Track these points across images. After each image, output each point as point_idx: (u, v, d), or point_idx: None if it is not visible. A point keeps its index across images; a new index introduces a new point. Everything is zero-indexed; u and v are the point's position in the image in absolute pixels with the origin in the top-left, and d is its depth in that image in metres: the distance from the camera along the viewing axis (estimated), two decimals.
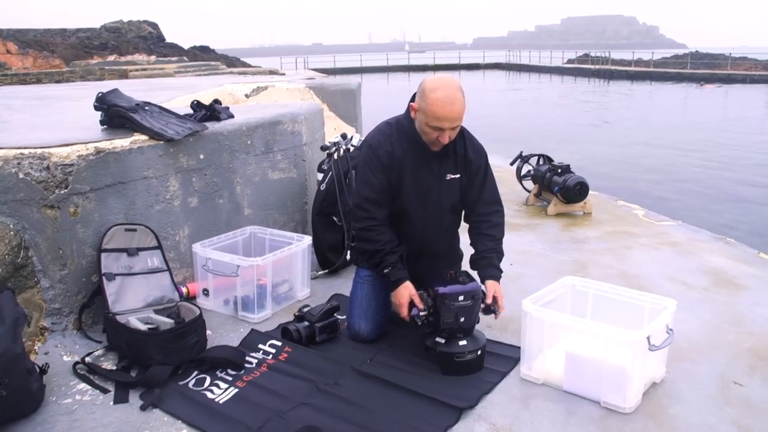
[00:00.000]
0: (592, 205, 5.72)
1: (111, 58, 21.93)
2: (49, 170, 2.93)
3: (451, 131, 2.90)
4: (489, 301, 2.93)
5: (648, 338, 2.49)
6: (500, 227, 3.19)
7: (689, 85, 37.79)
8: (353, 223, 3.19)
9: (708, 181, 12.65)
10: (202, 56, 27.82)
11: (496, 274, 3.06)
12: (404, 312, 2.95)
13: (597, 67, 49.34)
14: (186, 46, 30.93)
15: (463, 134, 3.12)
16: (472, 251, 3.17)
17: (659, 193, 11.41)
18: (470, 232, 3.22)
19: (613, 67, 47.89)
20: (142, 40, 29.19)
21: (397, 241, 3.07)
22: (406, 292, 2.96)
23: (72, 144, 3.09)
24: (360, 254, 3.28)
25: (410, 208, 3.11)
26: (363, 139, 4.38)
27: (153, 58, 21.61)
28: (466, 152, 3.11)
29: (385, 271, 3.01)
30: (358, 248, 3.25)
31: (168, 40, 31.55)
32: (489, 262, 3.08)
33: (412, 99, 3.02)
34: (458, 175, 3.11)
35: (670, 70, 44.13)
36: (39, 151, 2.95)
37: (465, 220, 3.29)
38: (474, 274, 3.06)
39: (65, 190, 2.99)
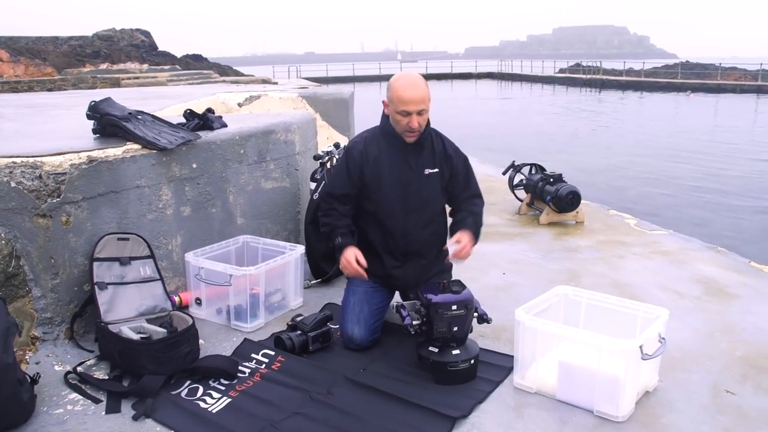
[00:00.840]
0: (585, 214, 5.73)
1: (103, 66, 21.84)
2: (41, 179, 2.92)
3: (419, 116, 3.08)
4: (451, 241, 3.12)
5: (641, 347, 2.50)
6: (480, 208, 3.38)
7: (678, 94, 37.97)
8: (319, 215, 3.42)
9: (699, 190, 12.70)
10: (195, 65, 27.79)
11: (470, 227, 3.22)
12: (354, 265, 3.11)
13: (588, 76, 49.50)
14: (178, 55, 30.89)
15: (440, 134, 3.32)
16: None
17: (651, 202, 11.44)
18: (451, 214, 3.40)
19: (605, 77, 48.07)
20: (135, 49, 29.13)
21: (353, 227, 3.27)
22: (350, 251, 3.14)
23: (64, 153, 3.08)
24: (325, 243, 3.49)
25: (390, 202, 3.21)
26: None
27: (145, 66, 21.55)
28: (444, 148, 3.30)
29: (336, 241, 3.20)
30: (322, 235, 3.42)
31: (160, 48, 31.51)
32: (463, 223, 3.26)
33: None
34: (437, 170, 3.26)
35: (661, 80, 44.34)
36: (31, 159, 2.95)
37: (449, 213, 3.43)
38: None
39: (57, 199, 2.98)
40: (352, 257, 3.13)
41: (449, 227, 3.33)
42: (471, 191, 3.37)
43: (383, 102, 3.21)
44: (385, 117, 3.24)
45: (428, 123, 3.19)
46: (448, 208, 3.41)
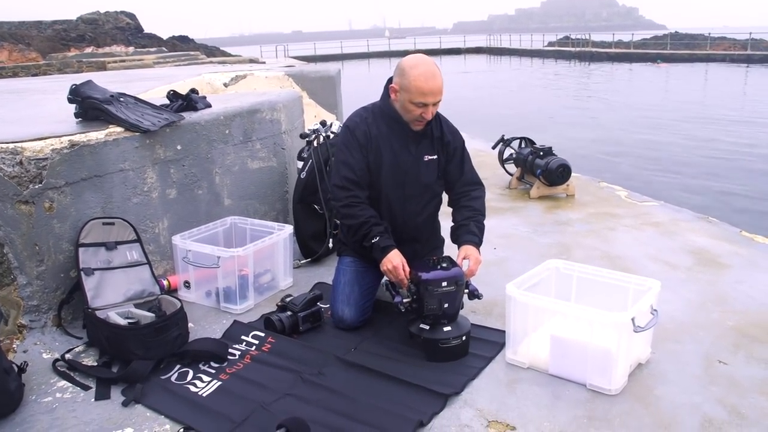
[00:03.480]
0: (575, 187, 5.71)
1: (88, 50, 21.60)
2: (22, 165, 2.87)
3: (434, 106, 2.96)
4: (459, 262, 2.96)
5: (633, 320, 2.48)
6: (480, 200, 3.24)
7: (671, 65, 37.97)
8: (334, 203, 3.17)
9: (689, 160, 12.70)
10: (182, 46, 27.52)
11: (473, 239, 3.08)
12: (401, 273, 2.92)
13: (578, 49, 49.37)
14: (165, 37, 30.58)
15: (439, 117, 3.18)
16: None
17: (641, 173, 11.44)
18: (451, 206, 3.27)
19: (594, 49, 47.92)
20: (120, 32, 28.82)
21: (378, 217, 3.08)
22: (396, 256, 2.96)
23: (45, 138, 3.03)
24: (345, 233, 3.29)
25: (389, 189, 3.12)
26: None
27: (131, 49, 21.35)
28: (442, 133, 3.18)
29: (374, 240, 2.99)
30: (343, 226, 3.24)
31: (146, 30, 31.19)
32: (466, 229, 3.12)
33: (389, 82, 3.06)
34: (435, 156, 3.16)
35: (651, 51, 44.23)
36: (11, 146, 2.89)
37: (448, 204, 3.30)
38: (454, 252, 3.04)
39: (39, 185, 2.93)
40: (400, 264, 2.93)
41: (451, 229, 3.20)
42: (468, 177, 3.24)
43: (391, 87, 3.02)
44: (386, 98, 3.10)
45: None
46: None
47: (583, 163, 9.44)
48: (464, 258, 2.99)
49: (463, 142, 3.26)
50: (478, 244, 3.08)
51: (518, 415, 2.43)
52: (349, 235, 3.22)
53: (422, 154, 3.12)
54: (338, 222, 4.01)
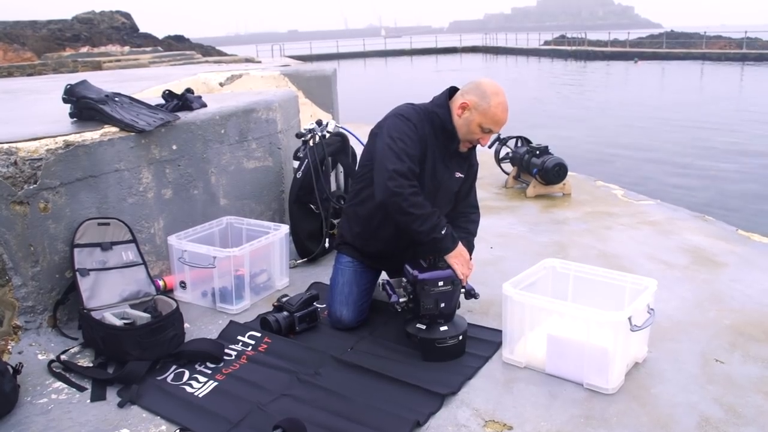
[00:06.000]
0: (571, 186, 5.72)
1: (84, 49, 21.54)
2: (16, 165, 2.86)
3: (491, 135, 3.03)
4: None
5: (629, 319, 2.48)
6: (476, 225, 3.31)
7: (667, 63, 38.03)
8: (395, 189, 2.78)
9: (685, 160, 12.71)
10: (177, 46, 27.46)
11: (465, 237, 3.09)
12: (471, 266, 2.95)
13: (574, 48, 49.42)
14: (160, 36, 30.51)
15: None
16: None
17: (637, 172, 11.45)
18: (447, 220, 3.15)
19: (590, 48, 48.02)
20: (116, 31, 28.73)
21: None
22: (464, 249, 2.95)
23: (40, 138, 3.02)
24: (403, 221, 2.86)
25: (424, 193, 2.94)
26: (338, 125, 4.34)
27: (127, 48, 21.30)
28: (471, 157, 3.23)
29: (443, 232, 2.84)
30: (401, 214, 2.82)
31: (142, 30, 31.11)
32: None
33: (452, 91, 3.04)
34: (463, 176, 3.18)
35: (646, 50, 44.30)
36: (6, 146, 2.87)
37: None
38: None
39: (34, 186, 2.92)
40: (467, 255, 2.94)
41: None
42: (471, 200, 3.31)
43: (463, 102, 2.92)
44: (443, 106, 2.99)
45: None
46: None
47: (580, 162, 9.44)
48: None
49: (478, 167, 3.33)
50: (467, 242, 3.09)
51: (515, 414, 2.42)
52: (409, 223, 2.83)
53: (455, 170, 3.12)
54: (335, 221, 4.01)
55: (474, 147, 3.13)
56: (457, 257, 2.88)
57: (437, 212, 2.86)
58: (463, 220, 3.23)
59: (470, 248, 3.13)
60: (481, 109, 2.90)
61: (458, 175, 3.14)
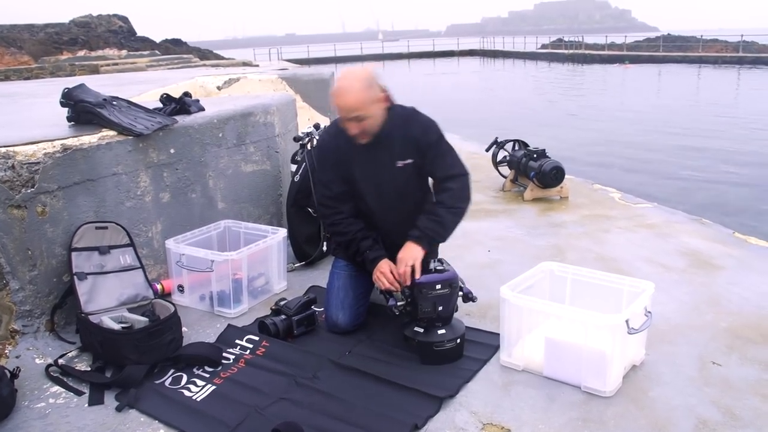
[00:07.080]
0: (569, 189, 5.72)
1: (81, 53, 21.54)
2: (14, 169, 2.86)
3: (356, 122, 2.83)
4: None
5: (627, 322, 2.49)
6: (449, 192, 2.99)
7: (664, 66, 38.13)
8: (322, 220, 3.15)
9: (683, 163, 12.72)
10: (175, 49, 27.44)
11: (412, 234, 2.94)
12: (389, 277, 2.90)
13: (571, 51, 49.47)
14: (158, 40, 30.49)
15: (408, 116, 3.01)
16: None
17: (634, 175, 11.45)
18: None
19: (587, 52, 48.03)
20: (113, 35, 28.71)
21: (366, 229, 3.07)
22: (384, 264, 2.95)
23: (38, 142, 3.02)
24: (338, 248, 3.24)
25: (368, 200, 3.08)
26: None
27: (124, 52, 21.29)
28: (413, 135, 2.97)
29: (366, 254, 3.01)
30: (336, 243, 3.20)
31: (139, 33, 31.10)
32: (414, 228, 2.95)
33: None
34: (410, 160, 2.99)
35: (643, 53, 44.35)
36: (3, 150, 2.88)
37: None
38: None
39: (32, 189, 2.92)
40: (388, 270, 2.91)
41: None
42: (441, 173, 3.02)
43: None
44: None
45: (392, 110, 2.95)
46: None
47: (577, 166, 9.44)
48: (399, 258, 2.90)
49: (439, 136, 3.01)
50: (416, 238, 2.93)
51: (513, 417, 2.42)
52: (341, 251, 3.23)
53: (395, 160, 2.99)
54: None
55: (411, 126, 2.96)
56: (374, 275, 2.98)
57: (357, 238, 3.05)
58: (437, 196, 3.04)
59: (432, 218, 2.95)
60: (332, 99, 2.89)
61: (401, 163, 2.98)
